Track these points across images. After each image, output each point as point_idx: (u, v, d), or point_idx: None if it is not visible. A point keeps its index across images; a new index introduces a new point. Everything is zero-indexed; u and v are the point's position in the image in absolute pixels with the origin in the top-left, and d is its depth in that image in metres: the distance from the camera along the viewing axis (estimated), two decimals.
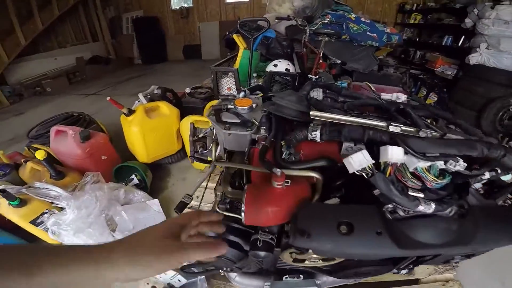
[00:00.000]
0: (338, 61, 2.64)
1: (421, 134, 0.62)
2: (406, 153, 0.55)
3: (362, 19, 3.17)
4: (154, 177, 2.34)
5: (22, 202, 1.51)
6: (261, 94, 0.95)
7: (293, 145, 0.64)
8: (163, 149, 2.34)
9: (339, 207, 0.62)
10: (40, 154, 1.61)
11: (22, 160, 1.94)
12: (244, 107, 0.74)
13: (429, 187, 0.55)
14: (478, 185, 0.63)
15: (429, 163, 0.54)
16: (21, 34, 5.44)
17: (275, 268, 0.98)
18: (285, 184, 0.57)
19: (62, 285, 0.32)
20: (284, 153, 0.63)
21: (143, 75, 6.66)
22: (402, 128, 0.62)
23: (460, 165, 0.54)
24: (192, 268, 1.01)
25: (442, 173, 0.57)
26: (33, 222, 1.56)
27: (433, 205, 0.54)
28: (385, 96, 0.82)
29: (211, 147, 0.83)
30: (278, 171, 0.54)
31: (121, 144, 2.45)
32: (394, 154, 0.53)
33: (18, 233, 1.66)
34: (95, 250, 0.35)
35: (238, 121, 0.72)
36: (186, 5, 7.53)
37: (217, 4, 7.29)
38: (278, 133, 0.68)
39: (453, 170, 0.55)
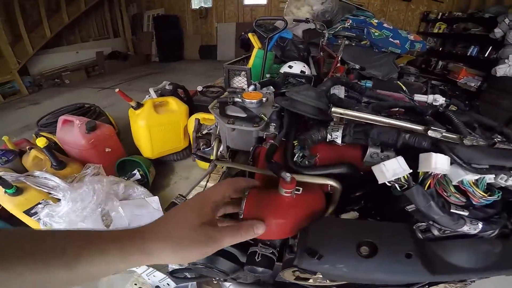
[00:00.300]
0: (357, 66, 2.51)
1: (466, 142, 0.52)
2: (451, 163, 0.45)
3: (385, 25, 3.03)
4: (157, 174, 2.27)
5: (18, 191, 1.47)
6: (273, 90, 0.85)
7: (308, 146, 0.53)
8: (169, 146, 2.28)
9: (359, 223, 0.52)
10: (41, 142, 1.57)
11: (27, 148, 1.92)
12: (253, 101, 0.64)
13: (476, 204, 0.46)
14: None
15: (477, 176, 0.45)
16: (47, 26, 5.62)
17: (274, 281, 0.87)
18: (295, 192, 0.46)
19: (99, 276, 0.32)
20: (297, 155, 0.52)
21: (159, 73, 6.73)
22: (444, 134, 0.51)
23: None
24: (185, 273, 0.91)
25: (489, 188, 0.48)
26: (27, 212, 1.52)
27: (480, 225, 0.45)
28: (418, 98, 0.70)
29: (213, 144, 0.73)
30: (287, 175, 0.44)
31: (129, 138, 2.42)
32: (438, 163, 0.43)
33: (12, 222, 1.62)
34: (127, 238, 0.32)
35: (244, 115, 0.61)
36: (205, 5, 7.58)
37: (235, 5, 7.31)
38: (291, 132, 0.57)
39: (503, 185, 0.47)
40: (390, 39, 2.87)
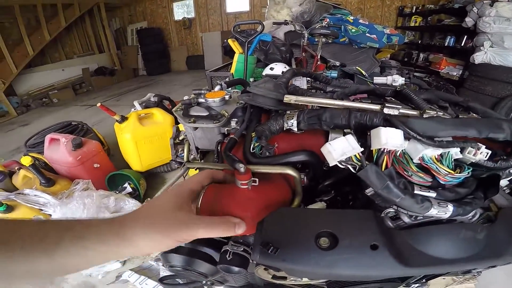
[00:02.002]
0: (337, 63, 2.56)
1: (425, 116, 0.49)
2: (407, 138, 0.42)
3: (361, 21, 3.11)
4: (148, 186, 2.27)
5: (9, 208, 1.49)
6: (242, 89, 0.88)
7: (265, 136, 0.55)
8: (158, 157, 2.28)
9: (320, 212, 0.49)
10: (26, 160, 1.57)
11: (16, 168, 1.92)
12: (215, 99, 0.66)
13: (443, 183, 0.42)
14: (503, 182, 0.49)
15: (439, 151, 0.41)
16: (29, 44, 5.57)
17: (264, 283, 0.87)
18: (252, 183, 0.46)
19: (81, 266, 0.32)
20: (253, 146, 0.54)
21: (147, 86, 6.74)
22: (401, 110, 0.49)
23: (482, 153, 0.40)
24: (176, 279, 0.91)
25: (459, 165, 0.43)
26: None
27: (450, 207, 0.40)
28: (378, 80, 0.72)
29: (184, 147, 0.75)
30: (241, 166, 0.44)
31: (119, 154, 2.41)
32: (389, 137, 0.40)
33: None
34: (105, 224, 0.33)
35: (206, 114, 0.64)
36: (188, 16, 7.65)
37: (219, 14, 7.39)
38: (251, 125, 0.59)
39: (473, 161, 0.42)
40: (367, 34, 2.94)
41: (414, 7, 5.49)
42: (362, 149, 0.43)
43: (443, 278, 1.25)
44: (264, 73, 2.47)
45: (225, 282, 0.89)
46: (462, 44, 3.95)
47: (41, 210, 1.57)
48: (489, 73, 3.23)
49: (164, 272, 1.23)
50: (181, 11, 7.79)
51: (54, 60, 6.57)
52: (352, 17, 3.10)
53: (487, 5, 3.04)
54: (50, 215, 1.55)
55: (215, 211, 0.45)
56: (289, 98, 0.53)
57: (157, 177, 2.49)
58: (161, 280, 1.00)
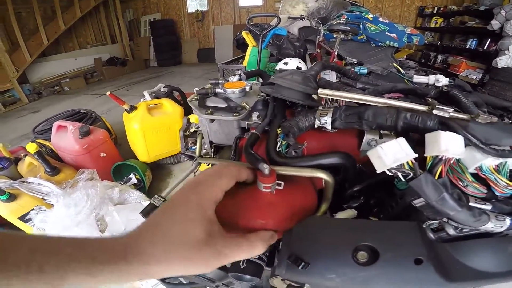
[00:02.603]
0: (354, 61, 2.46)
1: (479, 121, 0.43)
2: (466, 144, 0.37)
3: (380, 19, 2.99)
4: (154, 178, 2.23)
5: (12, 197, 1.46)
6: (261, 81, 0.80)
7: (293, 134, 0.47)
8: (165, 149, 2.24)
9: (356, 223, 0.44)
10: (31, 148, 1.54)
11: (22, 155, 1.90)
12: (235, 90, 0.59)
13: (499, 194, 0.38)
14: None
15: (499, 160, 0.36)
16: (44, 34, 5.64)
17: None
18: (277, 187, 0.40)
19: None
20: (279, 144, 0.47)
21: (157, 77, 6.74)
22: (452, 114, 0.43)
23: None
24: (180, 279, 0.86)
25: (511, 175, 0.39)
26: (22, 218, 1.50)
27: (508, 221, 0.37)
28: (418, 79, 0.64)
29: (197, 140, 0.68)
30: (265, 167, 0.38)
31: (126, 144, 2.39)
32: (449, 143, 0.35)
33: (9, 228, 1.59)
34: (122, 261, 0.27)
35: (225, 105, 0.57)
36: (201, 9, 7.59)
37: (231, 7, 7.32)
38: (275, 120, 0.52)
39: None
40: (387, 33, 2.82)
41: (436, 8, 5.30)
42: (416, 155, 0.37)
43: None
44: (277, 68, 2.39)
45: (230, 285, 0.84)
46: (485, 47, 3.79)
47: (44, 199, 1.54)
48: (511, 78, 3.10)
49: None
50: (194, 3, 7.74)
51: (67, 50, 6.64)
52: (371, 15, 2.98)
53: None
54: (53, 205, 1.51)
55: (232, 215, 0.40)
56: (324, 93, 0.46)
57: (163, 169, 2.45)
58: (163, 280, 0.96)
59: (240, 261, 0.44)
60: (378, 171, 0.38)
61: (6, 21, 5.20)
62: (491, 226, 0.37)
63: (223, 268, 0.56)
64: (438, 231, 0.42)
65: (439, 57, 4.86)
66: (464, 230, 0.40)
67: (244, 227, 0.40)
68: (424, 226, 0.42)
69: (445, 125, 0.39)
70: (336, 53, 2.49)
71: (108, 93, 1.92)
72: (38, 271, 0.23)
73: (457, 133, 0.37)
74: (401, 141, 0.36)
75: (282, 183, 0.41)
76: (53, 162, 1.80)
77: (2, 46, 5.02)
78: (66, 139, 1.93)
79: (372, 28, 2.87)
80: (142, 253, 0.28)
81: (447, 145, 0.35)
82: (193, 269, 0.30)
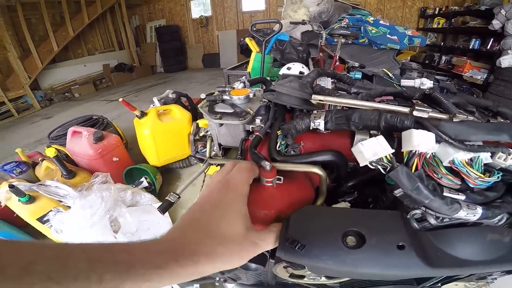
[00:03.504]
0: (356, 64, 2.52)
1: (455, 120, 0.49)
2: (438, 141, 0.43)
3: (381, 22, 3.04)
4: (164, 181, 2.32)
5: (31, 199, 1.54)
6: (264, 88, 0.88)
7: (291, 135, 0.54)
8: (174, 153, 2.32)
9: (346, 211, 0.49)
10: (50, 152, 1.64)
11: (39, 159, 2.00)
12: (240, 97, 0.66)
13: (472, 186, 0.42)
14: None
15: (470, 155, 0.41)
16: (54, 40, 5.81)
17: (276, 282, 0.87)
18: (277, 181, 0.47)
19: None
20: (279, 144, 0.54)
21: (164, 83, 6.88)
22: (430, 114, 0.49)
23: None
24: None
25: (488, 169, 0.44)
26: (40, 219, 1.58)
27: (479, 210, 0.41)
28: (406, 82, 0.70)
29: (207, 143, 0.76)
30: (267, 164, 0.45)
31: (136, 148, 2.48)
32: (421, 139, 0.40)
33: (28, 230, 1.69)
34: (170, 253, 0.28)
35: (232, 111, 0.64)
36: (205, 14, 7.74)
37: (235, 13, 7.43)
38: (275, 123, 0.59)
39: (503, 166, 0.42)
40: (388, 35, 2.87)
41: (437, 9, 5.30)
42: (393, 150, 0.43)
43: (456, 285, 1.20)
44: (281, 73, 2.46)
45: (238, 280, 0.90)
46: (488, 47, 3.79)
47: (61, 201, 1.62)
48: None
49: None
50: (198, 9, 7.89)
51: (76, 56, 6.82)
52: (372, 18, 3.04)
53: None
54: (69, 206, 1.59)
55: None
56: (317, 98, 0.53)
57: (172, 173, 2.54)
58: None
59: None
60: (360, 165, 0.44)
61: (17, 27, 5.36)
62: (464, 214, 0.41)
63: None
64: (421, 221, 0.46)
65: (443, 58, 4.85)
66: (445, 220, 0.44)
67: (251, 217, 0.47)
68: (408, 216, 0.46)
69: (420, 124, 0.45)
70: (338, 57, 2.55)
71: (121, 99, 2.02)
72: (98, 282, 0.23)
73: (429, 130, 0.42)
74: (380, 138, 0.42)
75: (282, 178, 0.48)
76: (69, 166, 1.90)
77: (15, 53, 5.18)
78: (81, 144, 2.03)
79: (373, 31, 2.92)
80: (192, 253, 0.29)
81: (419, 141, 0.40)
82: (234, 262, 0.32)
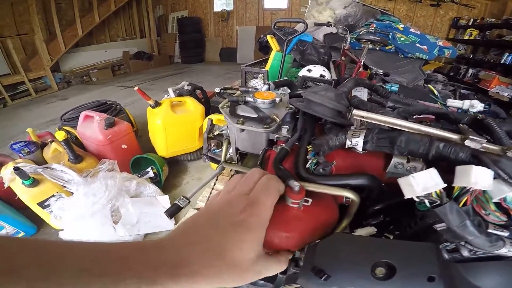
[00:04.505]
0: (380, 72, 2.40)
1: (510, 155, 0.44)
2: (494, 177, 0.39)
3: (411, 30, 2.90)
4: (170, 173, 2.28)
5: (35, 182, 1.51)
6: (289, 91, 0.80)
7: (323, 152, 0.47)
8: (183, 145, 2.28)
9: (376, 241, 0.45)
10: (60, 135, 1.61)
11: (49, 140, 1.99)
12: (265, 101, 0.59)
13: None
14: None
15: None
16: (80, 25, 5.92)
17: None
18: (304, 203, 0.41)
19: None
20: (310, 162, 0.47)
21: (181, 74, 6.88)
22: (484, 144, 0.44)
23: None
24: None
25: None
26: (41, 204, 1.56)
27: None
28: (452, 103, 0.62)
29: (223, 145, 0.69)
30: (296, 185, 0.38)
31: (146, 136, 2.46)
32: (479, 177, 0.36)
33: (27, 213, 1.68)
34: (169, 268, 0.26)
35: (255, 116, 0.57)
36: (227, 8, 7.68)
37: (256, 9, 7.34)
38: (305, 136, 0.52)
39: None
40: (417, 44, 2.73)
41: (472, 20, 5.05)
42: (445, 185, 0.38)
43: None
44: (300, 74, 2.37)
45: None
46: None
47: (65, 187, 1.59)
48: None
49: None
50: (221, 2, 7.84)
51: (99, 42, 6.91)
52: (402, 25, 2.90)
53: None
54: (72, 193, 1.56)
55: None
56: (358, 114, 0.45)
57: (180, 165, 2.50)
58: None
59: None
60: (406, 197, 0.39)
61: (47, 11, 5.50)
62: (505, 251, 0.39)
63: None
64: (452, 252, 0.44)
65: (470, 71, 4.64)
66: (477, 253, 0.42)
67: (270, 239, 0.41)
68: (440, 247, 0.43)
69: (477, 158, 0.40)
70: (362, 63, 2.44)
71: (136, 88, 1.98)
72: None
73: (488, 167, 0.38)
74: (433, 172, 0.37)
75: (310, 200, 0.41)
76: (77, 150, 1.87)
77: (41, 36, 5.32)
78: (91, 129, 2.01)
79: (402, 39, 2.79)
80: (194, 273, 0.27)
81: (476, 178, 0.36)
82: (231, 284, 0.30)
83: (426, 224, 0.47)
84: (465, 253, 0.42)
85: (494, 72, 4.14)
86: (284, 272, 0.51)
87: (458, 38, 5.41)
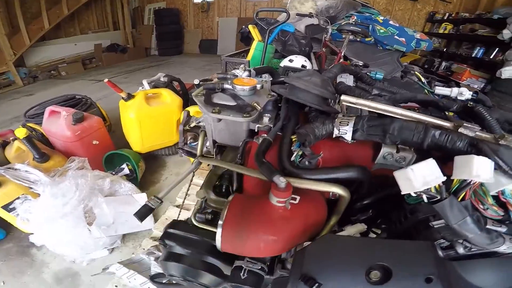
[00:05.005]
0: (360, 63, 2.41)
1: (502, 143, 0.42)
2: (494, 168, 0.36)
3: (391, 22, 2.94)
4: (147, 169, 2.17)
5: None
6: (271, 79, 0.75)
7: (309, 142, 0.42)
8: (160, 139, 2.17)
9: (371, 242, 0.43)
10: (20, 132, 1.46)
11: (11, 138, 1.81)
12: (245, 88, 0.53)
13: None
14: None
15: None
16: (46, 18, 5.49)
17: None
18: (291, 201, 0.36)
19: None
20: (295, 154, 0.42)
21: (157, 66, 6.63)
22: (477, 132, 0.42)
23: None
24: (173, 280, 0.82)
25: None
26: (6, 207, 1.43)
27: None
28: (440, 91, 0.60)
29: (199, 138, 0.63)
30: (282, 181, 0.33)
31: (120, 131, 2.31)
32: (481, 168, 0.33)
33: None
34: None
35: (233, 104, 0.51)
36: (207, 0, 7.44)
37: (238, 0, 7.16)
38: (289, 125, 0.47)
39: None
40: (396, 36, 2.77)
41: (447, 14, 5.24)
42: (445, 178, 0.35)
43: None
44: (282, 64, 2.32)
45: None
46: (492, 57, 3.76)
47: (31, 188, 1.46)
48: None
49: (155, 268, 1.13)
50: None
51: (68, 35, 6.48)
52: (382, 17, 2.93)
53: None
54: (39, 194, 1.44)
55: (243, 230, 0.38)
56: (347, 100, 0.41)
57: (157, 160, 2.39)
58: (153, 278, 0.92)
59: (241, 270, 0.42)
60: (403, 192, 0.36)
61: (9, 4, 5.08)
62: (504, 248, 0.38)
63: (219, 275, 0.53)
64: (447, 249, 0.43)
65: (443, 63, 4.82)
66: (473, 250, 0.41)
67: (255, 244, 0.36)
68: (434, 243, 0.41)
69: (476, 147, 0.38)
70: (342, 54, 2.43)
71: (106, 80, 1.83)
72: None
73: (489, 157, 0.35)
74: (432, 163, 0.34)
75: (298, 197, 0.37)
76: (42, 148, 1.72)
77: (2, 30, 4.90)
78: (58, 125, 1.84)
79: (382, 31, 2.81)
80: None
81: (478, 170, 0.34)
82: None
83: (417, 219, 0.45)
84: (461, 250, 0.41)
85: (465, 65, 4.32)
86: (271, 273, 0.46)
87: (433, 31, 5.59)
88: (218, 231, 0.37)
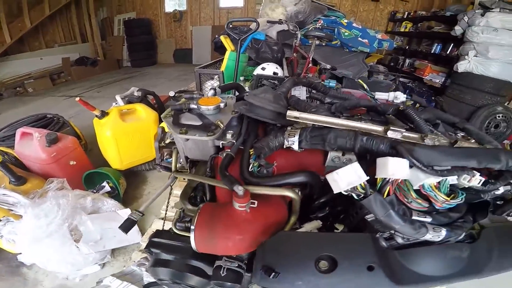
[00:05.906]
0: (328, 66, 2.55)
1: (427, 141, 0.51)
2: (410, 166, 0.44)
3: (354, 25, 3.12)
4: (129, 185, 2.16)
5: None
6: (237, 94, 0.82)
7: (264, 154, 0.50)
8: (139, 155, 2.16)
9: (319, 236, 0.50)
10: None
11: None
12: (209, 107, 0.60)
13: (438, 208, 0.45)
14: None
15: (439, 179, 0.43)
16: (7, 32, 5.24)
17: None
18: (251, 205, 0.43)
19: None
20: (252, 165, 0.49)
21: (130, 78, 6.48)
22: (404, 134, 0.50)
23: (476, 180, 0.44)
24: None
25: (452, 189, 0.46)
26: None
27: (443, 232, 0.44)
28: (379, 96, 0.70)
29: (172, 155, 0.68)
30: (240, 189, 0.41)
31: (97, 149, 2.27)
32: (397, 168, 0.41)
33: None
34: None
35: (199, 123, 0.57)
36: (180, 9, 7.41)
37: (211, 8, 7.22)
38: (248, 140, 0.54)
39: (466, 186, 0.45)
40: (359, 38, 2.94)
41: (406, 13, 5.58)
42: (368, 177, 0.43)
43: None
44: (255, 73, 2.41)
45: None
46: (448, 52, 4.06)
47: (11, 210, 1.44)
48: (470, 82, 3.32)
49: (148, 278, 1.16)
50: (172, 3, 7.54)
51: (33, 49, 6.17)
52: (346, 20, 3.10)
53: (478, 14, 3.09)
54: (21, 216, 1.42)
55: (212, 232, 0.45)
56: (291, 115, 0.49)
57: (138, 176, 2.38)
58: (148, 287, 0.95)
59: (220, 269, 0.49)
60: (334, 192, 0.43)
61: None
62: (429, 237, 0.43)
63: (204, 276, 0.59)
64: (389, 240, 0.48)
65: (407, 61, 5.13)
66: (411, 239, 0.47)
67: (224, 243, 0.43)
68: (377, 235, 0.48)
69: (395, 149, 0.45)
70: (311, 58, 2.56)
71: (77, 99, 1.82)
72: None
73: (403, 157, 0.42)
74: (356, 166, 0.41)
75: (256, 202, 0.44)
76: (18, 171, 1.68)
77: None
78: (31, 147, 1.80)
79: (346, 34, 2.98)
80: None
81: (394, 169, 0.41)
82: None
83: (363, 215, 0.52)
84: (399, 240, 0.47)
85: (426, 61, 4.62)
86: (250, 270, 0.53)
87: (395, 30, 5.94)
88: (191, 235, 0.44)
